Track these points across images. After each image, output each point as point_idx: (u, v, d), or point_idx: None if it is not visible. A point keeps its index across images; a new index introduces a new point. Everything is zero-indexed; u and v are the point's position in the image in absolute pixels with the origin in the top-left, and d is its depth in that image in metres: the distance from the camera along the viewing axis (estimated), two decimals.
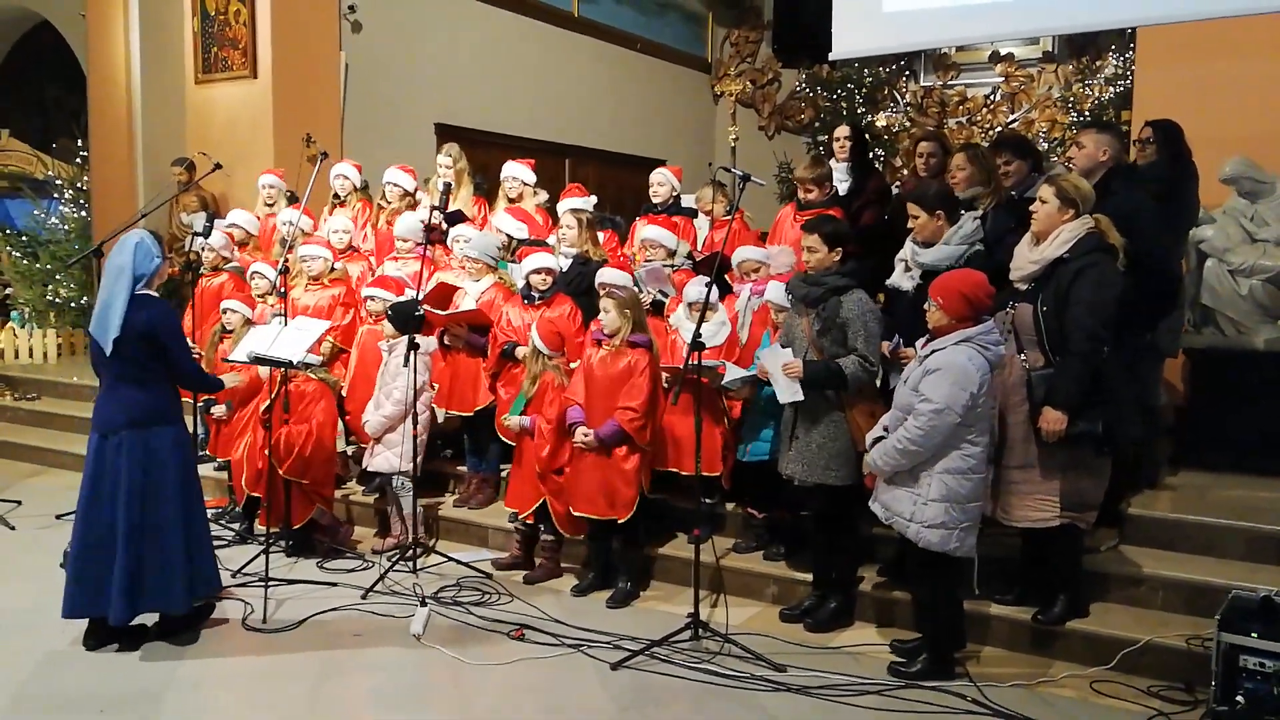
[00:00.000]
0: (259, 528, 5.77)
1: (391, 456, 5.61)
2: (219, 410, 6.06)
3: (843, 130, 6.18)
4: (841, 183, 6.02)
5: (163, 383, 4.42)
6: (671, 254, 5.96)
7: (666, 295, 5.79)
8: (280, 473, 5.46)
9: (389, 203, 7.14)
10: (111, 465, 4.32)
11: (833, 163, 6.11)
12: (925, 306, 4.07)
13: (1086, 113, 10.82)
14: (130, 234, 4.40)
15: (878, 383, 4.51)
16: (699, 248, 6.38)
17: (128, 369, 4.30)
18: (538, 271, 5.63)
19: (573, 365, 5.32)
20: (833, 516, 4.61)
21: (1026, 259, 4.29)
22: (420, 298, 5.56)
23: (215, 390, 5.11)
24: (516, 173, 6.96)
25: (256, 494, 5.65)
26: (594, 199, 6.84)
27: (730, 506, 5.51)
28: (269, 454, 5.36)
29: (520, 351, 5.64)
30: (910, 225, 4.59)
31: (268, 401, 5.49)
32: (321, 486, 5.68)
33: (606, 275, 5.37)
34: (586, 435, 4.94)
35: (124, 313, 4.22)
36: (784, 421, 4.67)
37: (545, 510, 5.24)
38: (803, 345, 4.59)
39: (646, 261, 5.93)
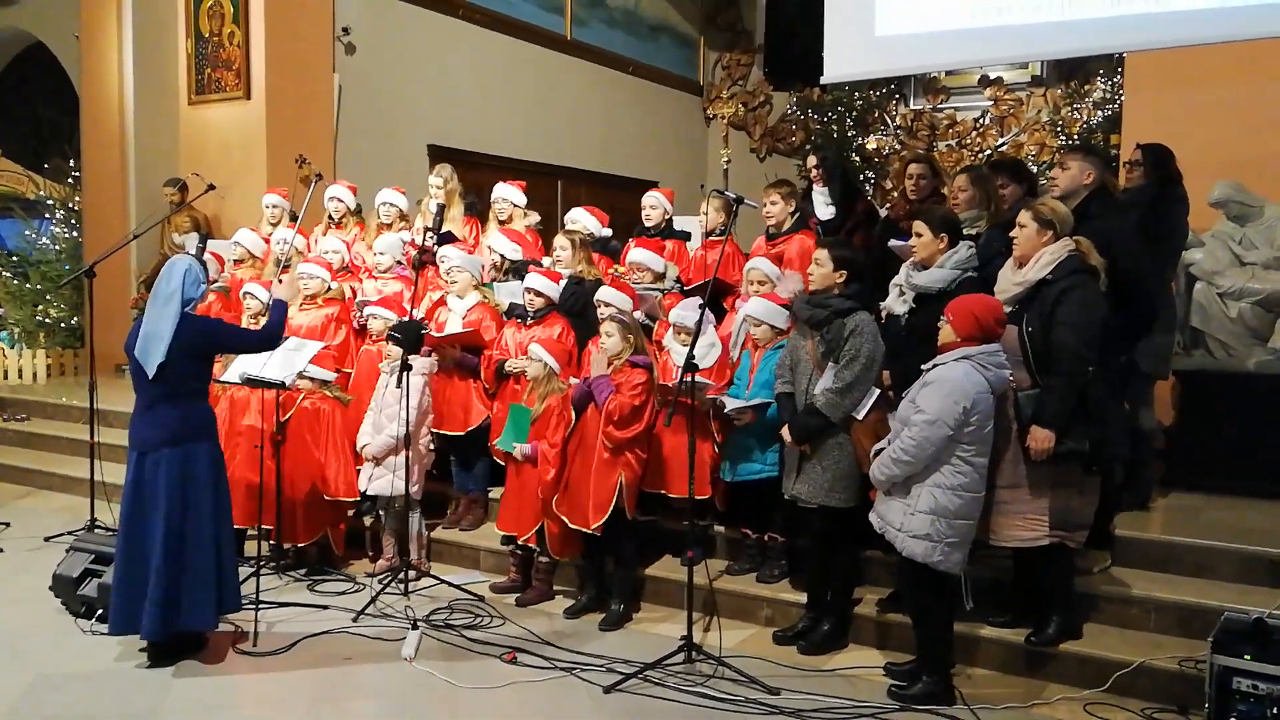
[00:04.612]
0: (248, 549, 5.74)
1: (394, 479, 5.56)
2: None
3: (810, 160, 6.24)
4: (826, 207, 6.03)
5: (199, 400, 4.55)
6: (660, 276, 5.96)
7: (654, 319, 5.80)
8: (327, 498, 5.69)
9: (385, 222, 7.13)
10: (150, 482, 4.41)
11: (815, 189, 6.13)
12: (938, 324, 4.08)
13: (1075, 136, 10.92)
14: (177, 261, 4.55)
15: (870, 402, 4.48)
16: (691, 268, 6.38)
17: (168, 389, 4.41)
18: (529, 291, 5.69)
19: (573, 381, 5.31)
20: (832, 538, 4.61)
21: (1010, 281, 4.34)
22: (423, 317, 5.57)
23: (281, 327, 4.84)
24: (507, 194, 6.97)
25: (240, 526, 5.57)
26: (609, 232, 6.84)
27: (722, 529, 5.50)
28: (271, 477, 5.38)
29: (512, 365, 5.65)
30: (912, 244, 4.60)
31: (278, 424, 5.50)
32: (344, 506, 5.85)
33: (605, 294, 5.37)
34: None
35: (171, 338, 4.33)
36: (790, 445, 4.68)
37: (542, 533, 5.23)
38: (808, 368, 4.60)
39: (636, 285, 5.94)
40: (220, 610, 4.56)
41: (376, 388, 5.79)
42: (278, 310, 4.83)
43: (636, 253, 5.99)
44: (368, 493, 5.71)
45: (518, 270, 6.18)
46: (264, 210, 7.65)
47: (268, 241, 7.25)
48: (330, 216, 7.35)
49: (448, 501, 6.25)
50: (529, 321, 5.72)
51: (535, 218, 7.21)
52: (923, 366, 4.12)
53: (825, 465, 4.53)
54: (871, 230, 5.92)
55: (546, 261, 6.39)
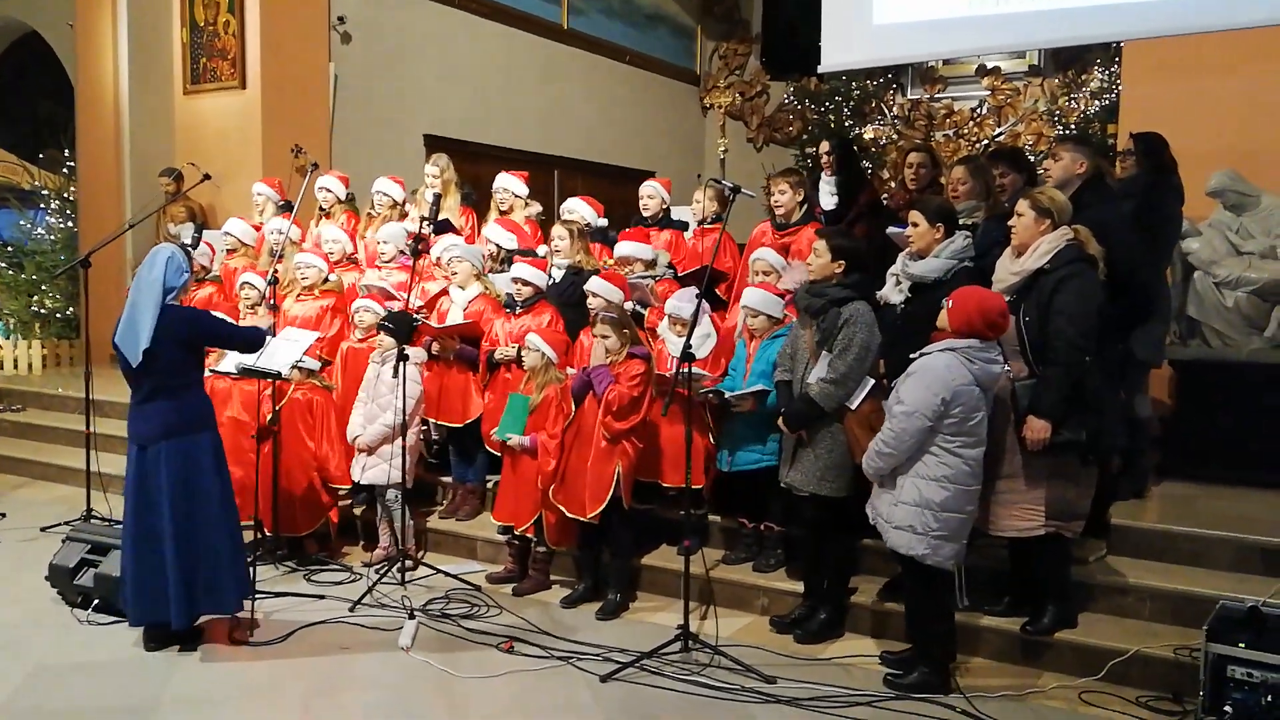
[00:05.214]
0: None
1: (387, 469, 5.56)
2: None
3: (824, 145, 6.21)
4: (830, 197, 6.02)
5: (194, 389, 4.54)
6: (650, 264, 5.96)
7: (645, 307, 5.80)
8: (330, 483, 5.74)
9: (377, 212, 7.14)
10: (153, 475, 4.41)
11: (822, 177, 6.11)
12: (940, 308, 4.06)
13: (1072, 126, 10.90)
14: (160, 249, 4.51)
15: (864, 392, 4.47)
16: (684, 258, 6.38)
17: (160, 380, 4.39)
18: (517, 280, 5.71)
19: (570, 371, 5.31)
20: (825, 527, 4.62)
21: (1008, 271, 4.34)
22: (421, 306, 5.57)
23: (261, 342, 4.89)
24: (508, 184, 6.96)
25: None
26: (605, 221, 6.84)
27: (719, 519, 5.50)
28: (264, 469, 5.35)
29: (501, 354, 5.65)
30: (908, 234, 4.60)
31: (272, 414, 5.49)
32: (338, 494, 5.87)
33: (594, 285, 5.37)
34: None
35: (154, 325, 4.30)
36: (786, 433, 4.68)
37: (540, 523, 5.23)
38: (804, 357, 4.60)
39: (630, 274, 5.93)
40: (240, 594, 4.61)
41: (366, 378, 5.78)
42: (258, 332, 4.87)
43: (623, 246, 5.97)
44: (361, 482, 5.71)
45: (512, 260, 6.17)
46: (253, 199, 7.66)
47: (258, 230, 7.25)
48: (320, 207, 7.35)
49: (437, 490, 6.25)
50: (518, 311, 5.73)
51: (537, 208, 7.20)
52: (911, 356, 4.12)
53: (818, 454, 4.54)
54: (874, 221, 5.90)
55: (542, 251, 6.39)
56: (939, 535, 3.98)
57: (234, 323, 5.53)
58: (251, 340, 4.83)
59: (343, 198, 7.39)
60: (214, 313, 5.20)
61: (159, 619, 4.47)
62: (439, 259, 6.29)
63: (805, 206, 5.86)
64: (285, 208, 7.47)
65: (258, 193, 7.63)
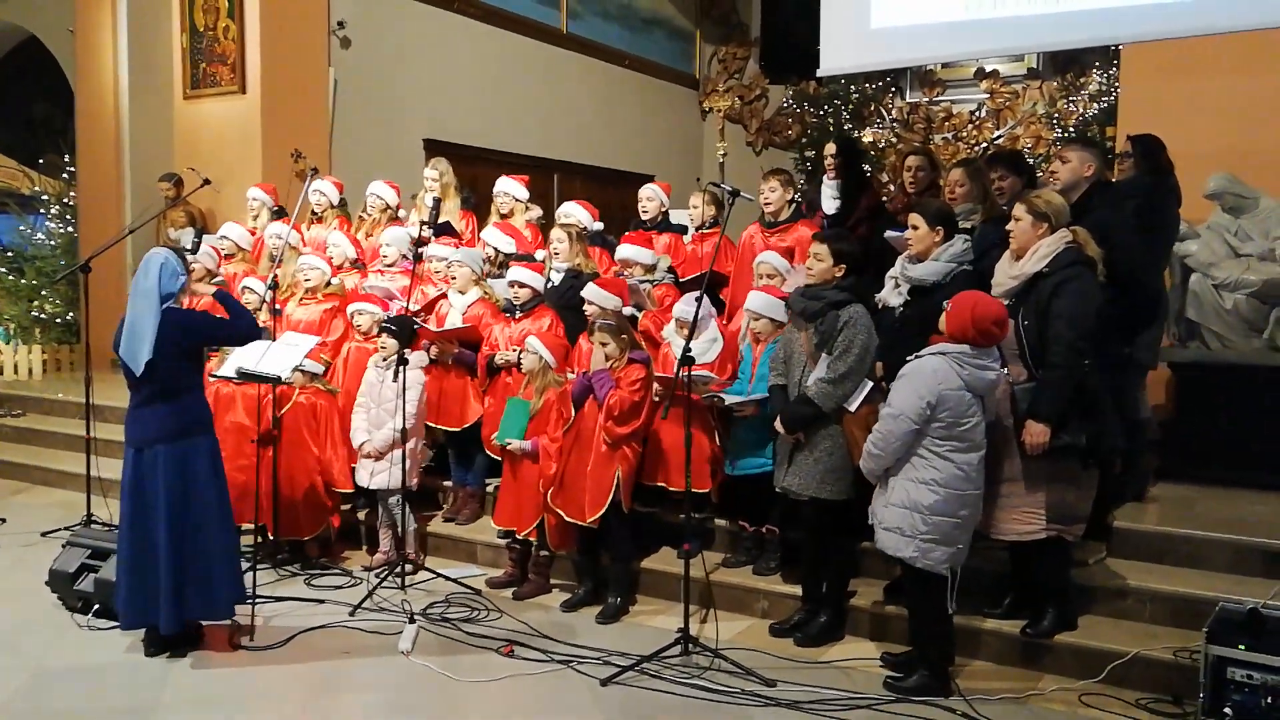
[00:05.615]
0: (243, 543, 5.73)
1: (395, 473, 5.55)
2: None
3: (830, 148, 6.20)
4: (832, 200, 6.03)
5: (193, 393, 4.54)
6: (650, 269, 5.97)
7: (640, 309, 5.80)
8: (334, 487, 5.74)
9: (369, 215, 7.15)
10: (149, 478, 4.41)
11: (825, 180, 6.12)
12: (941, 310, 4.06)
13: (1071, 128, 10.91)
14: (153, 255, 4.49)
15: (862, 394, 4.47)
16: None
17: (160, 385, 4.40)
18: (513, 283, 5.73)
19: (569, 375, 5.32)
20: (825, 530, 4.62)
21: (1006, 274, 4.34)
22: (418, 310, 5.59)
23: (255, 326, 4.89)
24: (509, 188, 6.97)
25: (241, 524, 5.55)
26: (601, 225, 6.86)
27: (722, 522, 5.50)
28: (266, 473, 5.36)
29: (501, 358, 5.65)
30: (907, 237, 4.60)
31: (274, 419, 5.49)
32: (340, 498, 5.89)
33: (590, 293, 5.37)
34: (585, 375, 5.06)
35: (155, 334, 4.30)
36: (783, 436, 4.68)
37: (542, 526, 5.23)
38: (802, 359, 4.61)
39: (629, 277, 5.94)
40: (235, 600, 4.60)
41: (368, 381, 5.78)
42: (252, 323, 4.87)
43: (624, 248, 5.99)
44: (370, 487, 5.70)
45: (508, 264, 6.18)
46: (248, 204, 7.69)
47: (253, 234, 7.25)
48: (313, 211, 7.36)
49: (440, 494, 6.25)
50: (517, 315, 5.73)
51: (537, 212, 7.21)
52: (907, 359, 4.12)
53: (817, 457, 4.54)
54: (875, 224, 5.90)
55: (540, 256, 6.39)
56: (928, 538, 3.99)
57: (224, 323, 5.47)
58: (246, 332, 4.81)
59: (335, 203, 7.41)
60: (205, 312, 5.15)
61: (150, 623, 4.47)
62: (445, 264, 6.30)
63: (794, 204, 5.88)
64: (279, 213, 7.49)
65: (252, 198, 7.65)
